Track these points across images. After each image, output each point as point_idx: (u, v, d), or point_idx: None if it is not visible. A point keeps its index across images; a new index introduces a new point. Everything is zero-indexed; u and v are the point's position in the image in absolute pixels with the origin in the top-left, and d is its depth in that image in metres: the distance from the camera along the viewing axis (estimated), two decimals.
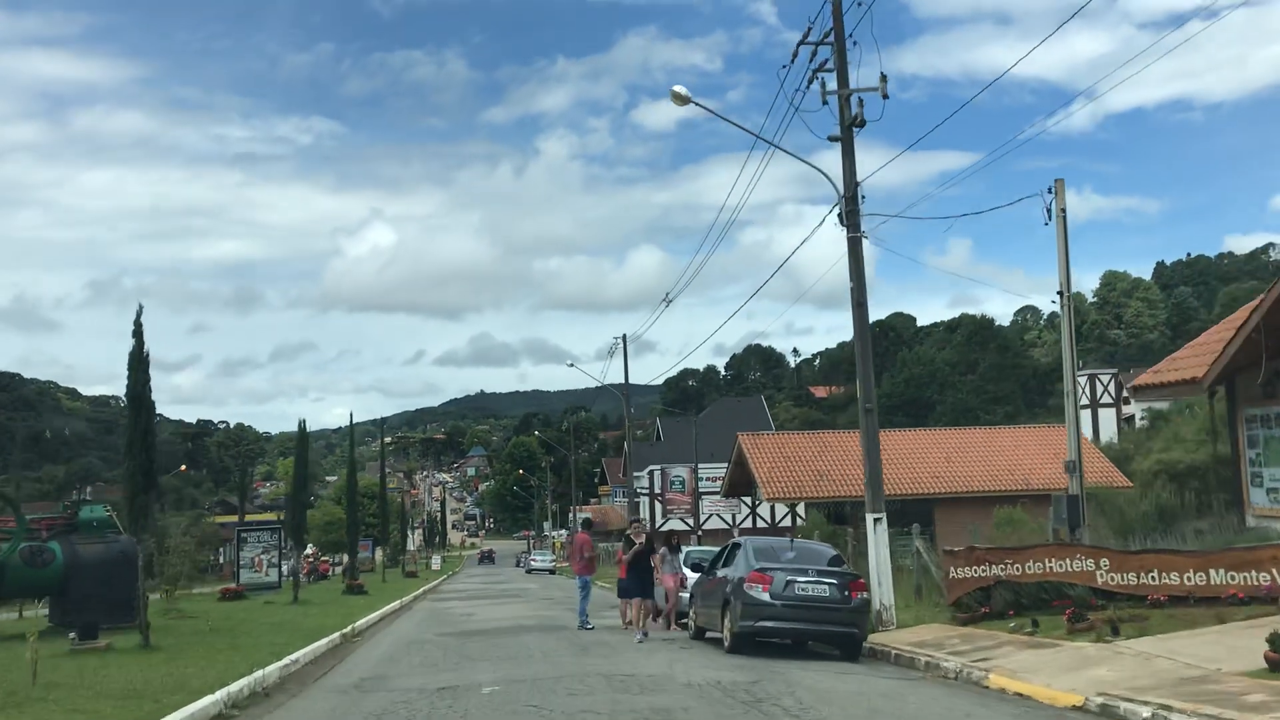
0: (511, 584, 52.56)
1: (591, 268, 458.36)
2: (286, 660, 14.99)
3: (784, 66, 20.35)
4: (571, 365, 50.23)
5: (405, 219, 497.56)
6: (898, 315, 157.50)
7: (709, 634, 18.63)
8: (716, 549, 21.64)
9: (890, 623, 18.48)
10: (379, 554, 70.28)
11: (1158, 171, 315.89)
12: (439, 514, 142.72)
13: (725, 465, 61.58)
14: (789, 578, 16.10)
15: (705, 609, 18.62)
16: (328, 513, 72.28)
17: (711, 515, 63.37)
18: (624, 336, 54.38)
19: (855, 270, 20.52)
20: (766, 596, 15.93)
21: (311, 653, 16.85)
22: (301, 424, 45.98)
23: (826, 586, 16.16)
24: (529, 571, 72.56)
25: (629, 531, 22.82)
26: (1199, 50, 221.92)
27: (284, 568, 42.75)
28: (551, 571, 71.77)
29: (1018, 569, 16.81)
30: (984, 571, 17.18)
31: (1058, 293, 19.77)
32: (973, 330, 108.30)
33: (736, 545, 18.38)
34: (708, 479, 70.85)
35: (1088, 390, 67.50)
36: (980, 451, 42.76)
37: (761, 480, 40.94)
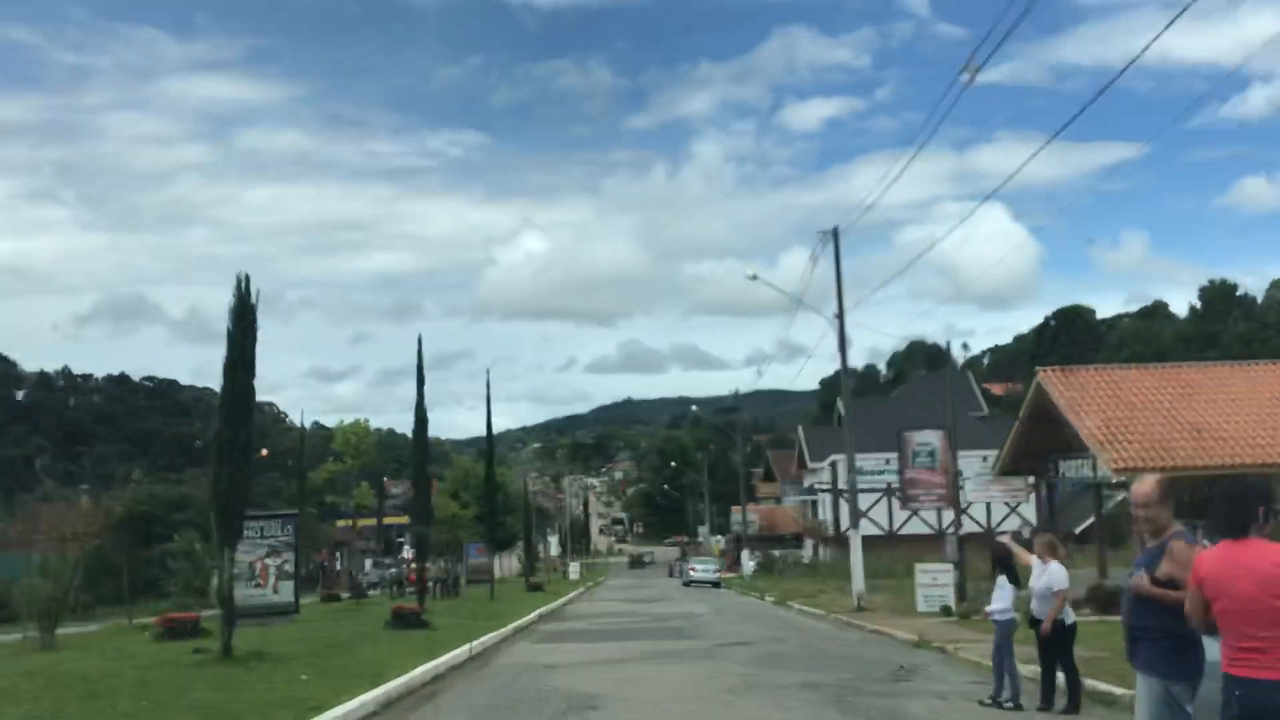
0: (671, 603, 35.66)
1: (742, 271, 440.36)
2: None
3: None
4: (755, 277, 35.35)
5: (554, 227, 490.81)
6: (1078, 307, 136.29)
7: None
8: None
9: None
10: (504, 560, 54.55)
11: None
12: (583, 517, 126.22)
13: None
14: None
15: None
16: (442, 508, 56.95)
17: (973, 506, 44.88)
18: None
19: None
20: None
21: None
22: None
23: None
24: (687, 584, 55.51)
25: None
26: None
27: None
28: (716, 584, 54.62)
29: None
30: None
31: None
32: (1212, 297, 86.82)
33: None
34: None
35: None
36: None
37: (1097, 439, 22.87)
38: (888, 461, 65.12)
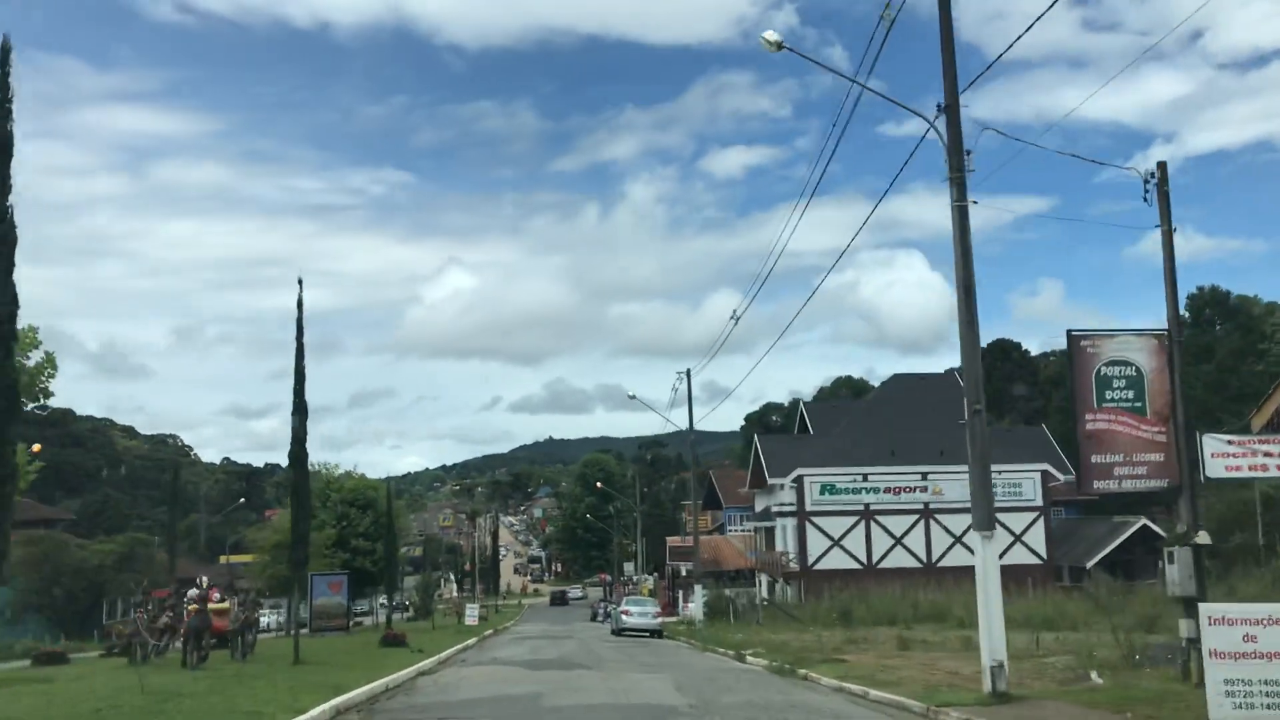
0: (599, 671, 20.25)
1: (666, 313, 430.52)
2: None
3: None
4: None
5: (480, 266, 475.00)
6: (1006, 341, 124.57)
7: None
8: None
9: None
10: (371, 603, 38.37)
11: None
12: (490, 553, 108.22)
13: (925, 470, 49.94)
14: None
15: None
16: (287, 531, 40.79)
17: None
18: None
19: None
20: None
21: None
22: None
23: None
24: (618, 632, 39.81)
25: None
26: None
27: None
28: (657, 633, 39.10)
29: None
30: None
31: None
32: (1202, 305, 74.23)
33: None
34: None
35: None
36: None
37: None
38: (864, 478, 50.68)
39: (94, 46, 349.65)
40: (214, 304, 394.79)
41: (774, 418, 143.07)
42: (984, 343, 79.81)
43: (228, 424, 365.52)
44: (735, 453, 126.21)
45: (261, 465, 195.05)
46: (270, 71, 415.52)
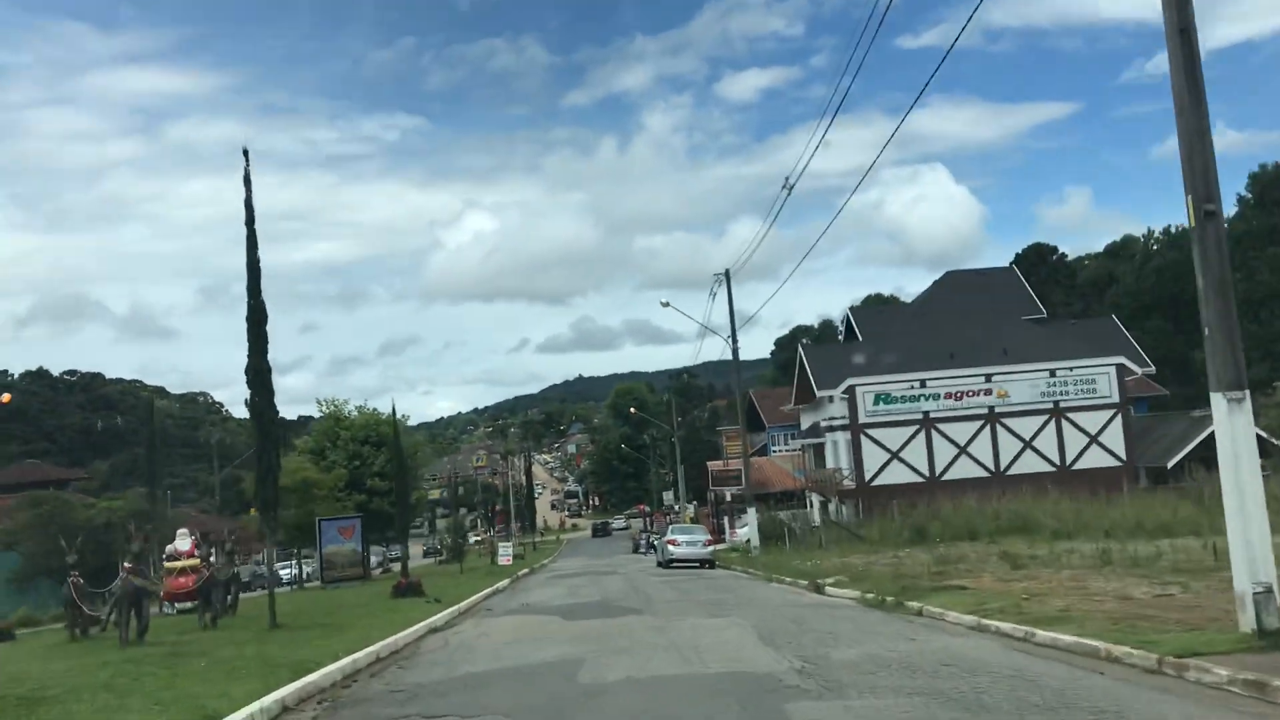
0: (657, 616, 15.83)
1: (689, 243, 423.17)
2: None
3: None
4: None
5: (500, 207, 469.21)
6: (1042, 245, 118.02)
7: None
8: None
9: None
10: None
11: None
12: (526, 489, 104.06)
13: (988, 372, 44.75)
14: None
15: None
16: (292, 473, 36.34)
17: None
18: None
19: None
20: None
21: None
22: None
23: None
24: (665, 564, 35.56)
25: None
26: None
27: None
28: (709, 563, 34.87)
29: None
30: None
31: None
32: (1265, 185, 68.08)
33: None
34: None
35: None
36: None
37: None
38: (922, 384, 45.98)
39: (99, 9, 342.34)
40: (237, 261, 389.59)
41: (804, 340, 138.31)
42: (1018, 249, 73.49)
43: None
44: (767, 379, 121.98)
45: (294, 418, 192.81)
46: (277, 23, 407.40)
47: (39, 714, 8.43)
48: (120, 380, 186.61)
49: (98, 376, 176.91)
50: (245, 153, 16.38)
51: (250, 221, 16.50)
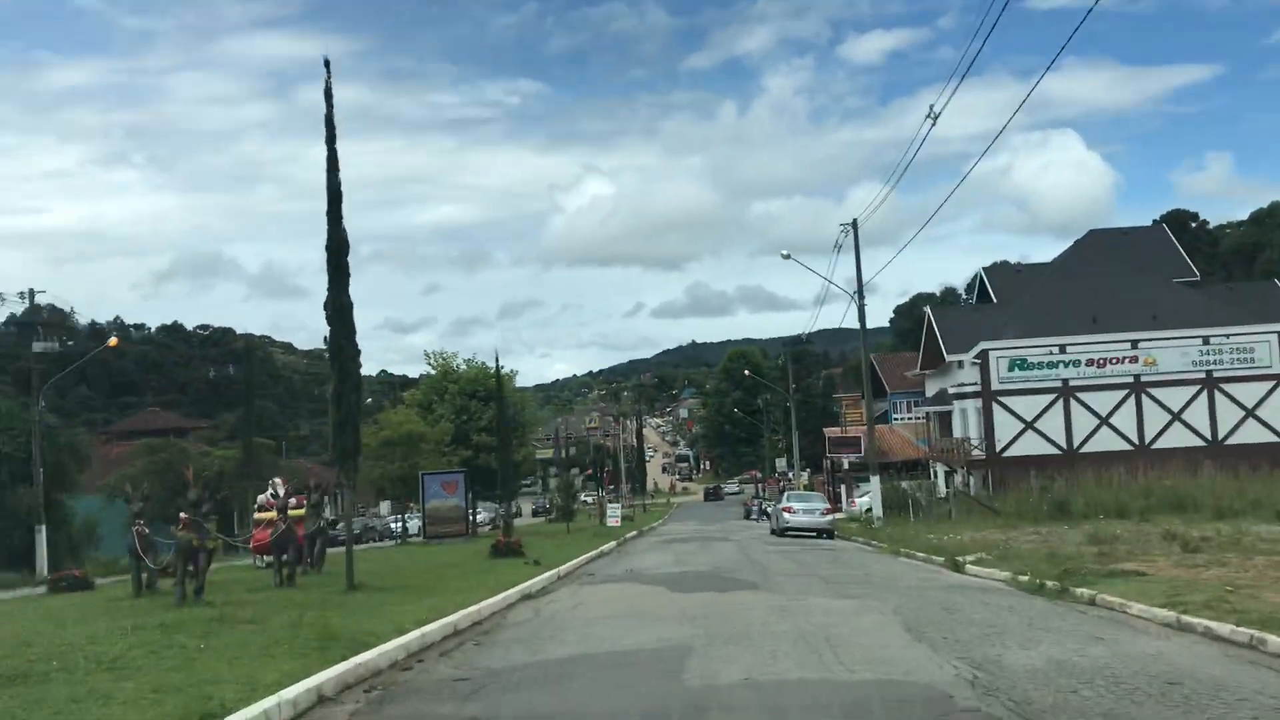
0: (783, 607, 13.62)
1: (809, 208, 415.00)
2: None
3: None
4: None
5: (618, 172, 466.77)
6: (1182, 212, 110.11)
7: None
8: None
9: None
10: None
11: None
12: (637, 452, 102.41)
13: (1134, 338, 41.06)
14: None
15: None
16: (398, 425, 35.08)
17: None
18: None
19: None
20: None
21: None
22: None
23: None
24: (780, 532, 33.39)
25: None
26: None
27: None
28: (828, 534, 32.56)
29: None
30: None
31: None
32: None
33: None
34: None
35: None
36: None
37: None
38: (1061, 350, 42.47)
39: None
40: (365, 222, 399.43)
41: (925, 308, 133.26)
42: (1153, 216, 68.56)
43: (384, 338, 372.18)
44: (886, 346, 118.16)
45: (417, 376, 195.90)
46: None
47: (2, 697, 6.81)
48: (249, 335, 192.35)
49: (228, 331, 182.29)
50: (326, 63, 14.71)
51: (331, 140, 14.83)
